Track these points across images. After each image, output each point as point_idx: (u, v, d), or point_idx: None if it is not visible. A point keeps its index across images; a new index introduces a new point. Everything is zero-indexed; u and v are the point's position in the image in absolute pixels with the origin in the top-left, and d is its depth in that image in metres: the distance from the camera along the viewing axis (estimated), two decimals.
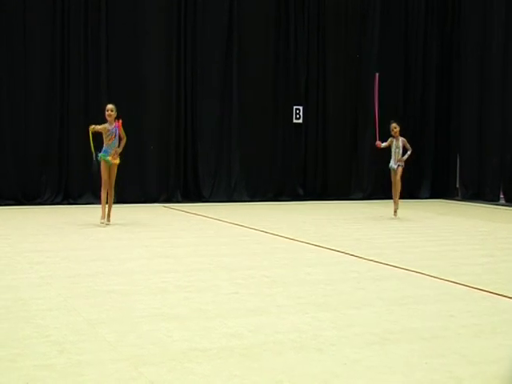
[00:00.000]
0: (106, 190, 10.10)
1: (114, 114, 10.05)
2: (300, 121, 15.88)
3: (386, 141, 11.90)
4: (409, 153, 11.75)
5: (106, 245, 8.49)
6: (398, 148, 11.79)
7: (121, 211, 11.75)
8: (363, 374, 3.81)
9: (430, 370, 3.89)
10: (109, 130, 10.03)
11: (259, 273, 6.69)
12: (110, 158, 9.98)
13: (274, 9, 15.60)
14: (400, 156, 11.78)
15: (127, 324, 4.73)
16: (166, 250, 8.15)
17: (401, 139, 11.80)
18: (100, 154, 9.99)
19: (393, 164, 11.88)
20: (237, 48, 15.21)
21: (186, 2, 14.78)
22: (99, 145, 10.16)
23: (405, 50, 16.87)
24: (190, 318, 4.92)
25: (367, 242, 9.08)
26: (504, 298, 5.84)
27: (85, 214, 11.70)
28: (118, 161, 10.09)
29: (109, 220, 10.26)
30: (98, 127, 10.00)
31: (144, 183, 14.56)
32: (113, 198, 10.31)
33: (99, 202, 10.56)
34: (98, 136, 10.22)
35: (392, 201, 12.26)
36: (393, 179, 12.06)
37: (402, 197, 16.33)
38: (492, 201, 15.92)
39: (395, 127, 11.75)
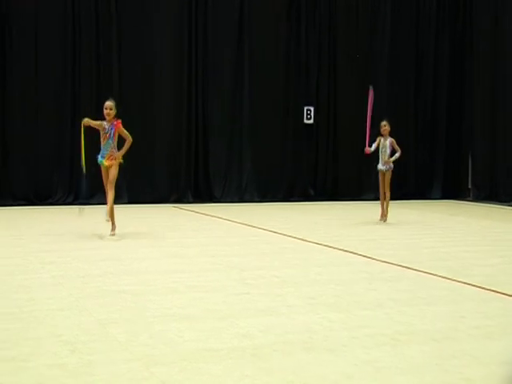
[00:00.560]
0: (108, 190, 9.41)
1: (112, 112, 9.04)
2: (311, 121, 15.86)
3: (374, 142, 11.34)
4: (397, 155, 11.19)
5: (117, 245, 8.51)
6: (384, 147, 11.22)
7: (131, 211, 11.76)
8: (374, 375, 3.81)
9: (441, 371, 3.88)
10: (105, 129, 9.08)
11: (270, 273, 6.69)
12: (105, 161, 9.15)
13: (285, 8, 15.59)
14: (388, 157, 11.24)
15: (138, 324, 4.75)
16: (176, 250, 8.16)
17: (389, 139, 11.23)
18: (98, 160, 9.27)
19: (381, 165, 11.31)
20: (248, 47, 15.23)
21: (197, 1, 14.80)
22: (95, 147, 9.43)
23: (416, 47, 16.80)
24: (201, 319, 4.92)
25: (378, 243, 9.05)
26: None
27: (96, 214, 11.70)
28: (112, 162, 9.11)
29: (109, 218, 9.32)
30: (93, 122, 9.11)
31: (155, 183, 14.57)
32: (113, 196, 9.31)
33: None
34: (96, 137, 9.41)
35: (379, 202, 11.62)
36: (380, 183, 11.43)
37: (413, 197, 16.57)
38: (505, 202, 15.53)
39: (385, 125, 11.20)
